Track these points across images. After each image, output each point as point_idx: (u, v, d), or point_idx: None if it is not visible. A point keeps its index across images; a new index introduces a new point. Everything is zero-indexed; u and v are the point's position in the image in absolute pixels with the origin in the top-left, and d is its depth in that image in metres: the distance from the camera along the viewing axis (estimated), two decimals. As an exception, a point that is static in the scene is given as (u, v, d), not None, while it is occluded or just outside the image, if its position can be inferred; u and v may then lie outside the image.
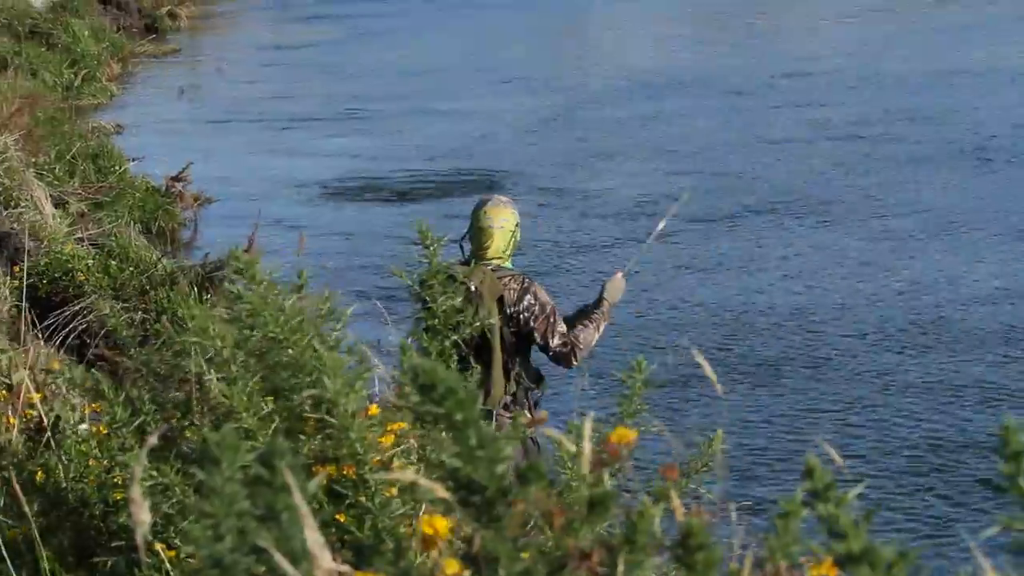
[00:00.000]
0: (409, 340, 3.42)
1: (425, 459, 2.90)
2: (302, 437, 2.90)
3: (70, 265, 10.09)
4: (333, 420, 2.79)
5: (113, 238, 11.17)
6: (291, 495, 1.71)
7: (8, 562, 3.44)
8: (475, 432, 1.76)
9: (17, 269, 9.14)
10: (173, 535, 3.12)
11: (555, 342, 6.09)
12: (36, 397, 4.09)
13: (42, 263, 10.02)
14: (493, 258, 6.13)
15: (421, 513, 2.69)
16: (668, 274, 12.08)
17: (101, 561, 3.39)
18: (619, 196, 14.95)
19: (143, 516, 1.79)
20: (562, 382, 7.32)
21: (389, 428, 2.88)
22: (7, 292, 9.14)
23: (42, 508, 3.61)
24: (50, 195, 12.21)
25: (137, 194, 14.12)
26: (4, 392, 4.68)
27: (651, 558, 1.81)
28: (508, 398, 6.02)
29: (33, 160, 13.51)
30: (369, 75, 24.05)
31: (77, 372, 3.38)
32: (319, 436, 2.87)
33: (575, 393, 6.16)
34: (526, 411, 6.01)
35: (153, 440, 3.01)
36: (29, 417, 4.08)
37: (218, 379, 3.09)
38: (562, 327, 6.13)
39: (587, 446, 1.99)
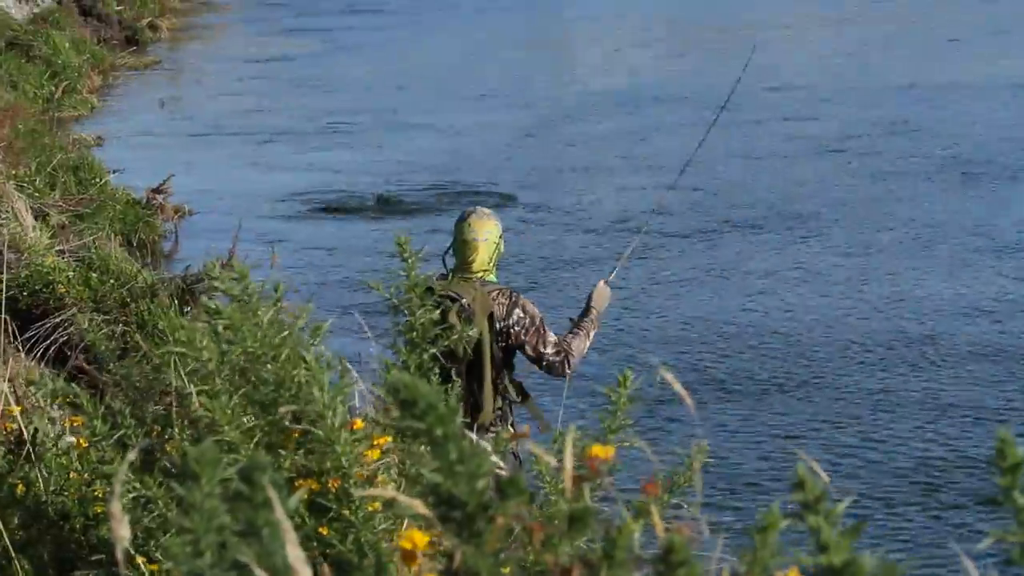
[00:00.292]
0: (388, 353, 3.42)
1: (406, 474, 2.90)
2: (282, 452, 2.89)
3: (51, 277, 10.04)
4: (320, 432, 2.78)
5: (94, 250, 11.13)
6: (272, 510, 1.71)
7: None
8: (455, 447, 1.76)
9: (-3, 282, 9.09)
10: (155, 548, 3.12)
11: (548, 351, 6.09)
12: (16, 410, 4.07)
13: (23, 275, 9.99)
14: (479, 271, 6.08)
15: (403, 528, 2.69)
16: (649, 290, 12.09)
17: (82, 574, 3.38)
18: (600, 210, 14.97)
19: (123, 531, 1.79)
20: (547, 397, 7.32)
21: (375, 442, 2.87)
22: (-13, 305, 9.09)
23: (22, 521, 3.60)
24: (31, 207, 12.17)
25: (118, 206, 14.10)
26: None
27: (631, 574, 1.81)
28: (497, 413, 6.03)
29: (13, 172, 13.46)
30: (350, 88, 24.05)
31: (58, 384, 3.37)
32: (300, 450, 2.87)
33: (557, 411, 6.15)
34: (509, 426, 6.02)
35: (132, 456, 3.01)
36: (10, 430, 4.06)
37: (199, 392, 3.08)
38: (553, 336, 6.14)
39: (568, 461, 1.99)
